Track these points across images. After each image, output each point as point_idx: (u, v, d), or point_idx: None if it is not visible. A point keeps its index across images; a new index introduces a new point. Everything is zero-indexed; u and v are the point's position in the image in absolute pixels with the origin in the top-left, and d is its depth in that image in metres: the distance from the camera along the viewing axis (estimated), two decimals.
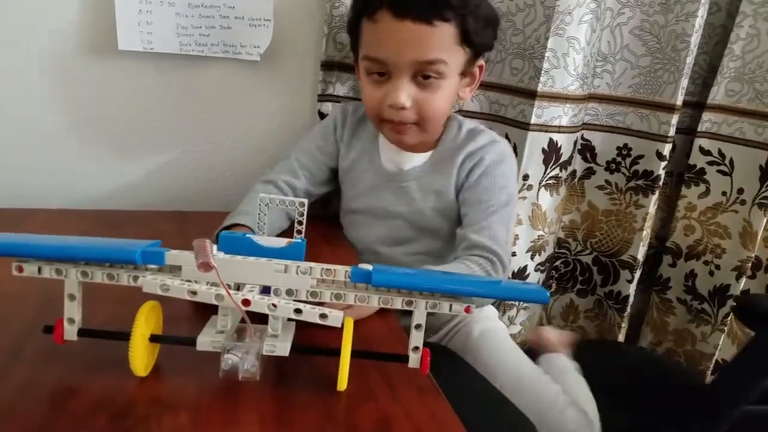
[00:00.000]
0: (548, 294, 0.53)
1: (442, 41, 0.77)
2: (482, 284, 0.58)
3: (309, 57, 1.02)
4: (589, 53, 1.02)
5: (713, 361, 1.24)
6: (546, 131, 1.02)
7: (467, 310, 0.52)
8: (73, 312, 0.52)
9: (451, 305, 0.52)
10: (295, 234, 0.55)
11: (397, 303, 0.53)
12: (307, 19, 1.01)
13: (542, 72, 0.98)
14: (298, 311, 0.48)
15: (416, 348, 0.54)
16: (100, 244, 0.53)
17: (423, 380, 0.55)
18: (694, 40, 1.03)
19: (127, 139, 1.01)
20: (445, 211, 0.87)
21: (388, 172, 0.90)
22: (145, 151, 1.03)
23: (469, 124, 0.90)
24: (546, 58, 0.98)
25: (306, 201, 0.56)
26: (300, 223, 0.56)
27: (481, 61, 0.86)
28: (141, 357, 0.51)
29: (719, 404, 0.76)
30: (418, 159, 0.89)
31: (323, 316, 0.48)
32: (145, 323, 0.51)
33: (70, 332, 0.52)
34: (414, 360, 0.54)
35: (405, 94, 0.79)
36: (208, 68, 1.00)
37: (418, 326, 0.53)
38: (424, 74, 0.78)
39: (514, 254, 1.08)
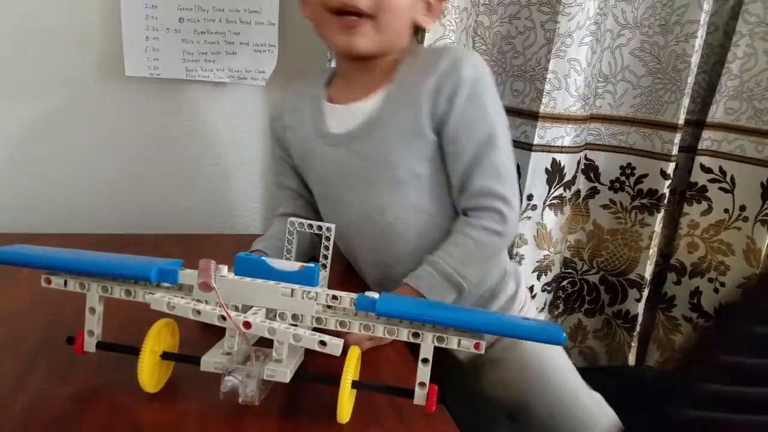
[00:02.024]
0: (565, 336, 0.50)
1: None
2: (493, 321, 0.55)
3: None
4: (590, 74, 1.03)
5: None
6: (549, 152, 1.03)
7: (477, 346, 0.50)
8: (93, 325, 0.55)
9: (459, 340, 0.50)
10: (321, 259, 0.55)
11: (403, 334, 0.51)
12: (310, 44, 1.01)
13: (544, 93, 0.99)
14: (297, 337, 0.47)
15: (422, 384, 0.51)
16: (121, 260, 0.54)
17: None
18: (695, 60, 1.05)
19: (134, 162, 1.02)
20: (421, 152, 0.73)
21: (341, 134, 0.76)
22: (152, 174, 1.03)
23: (423, 47, 0.79)
24: (547, 80, 0.99)
25: (333, 226, 0.56)
26: (326, 248, 0.56)
27: None
28: (149, 373, 0.51)
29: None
30: (374, 100, 0.74)
31: (322, 343, 0.47)
32: (156, 340, 0.52)
33: (90, 344, 0.54)
34: (420, 396, 0.51)
35: None
36: (214, 93, 1.01)
37: (425, 360, 0.51)
38: None
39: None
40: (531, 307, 0.89)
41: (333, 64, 0.87)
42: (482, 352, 0.50)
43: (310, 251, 0.84)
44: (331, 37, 0.73)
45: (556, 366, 0.83)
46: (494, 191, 0.71)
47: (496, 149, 0.71)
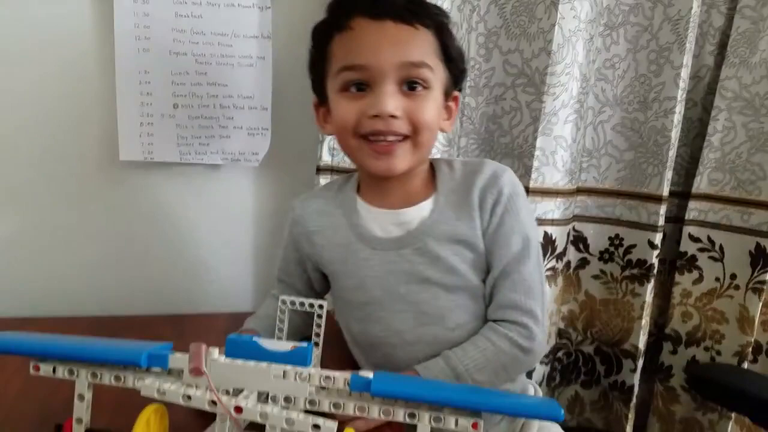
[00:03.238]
0: (562, 412, 0.49)
1: (424, 45, 0.70)
2: (492, 399, 0.54)
3: (305, 162, 1.05)
4: (576, 150, 1.06)
5: None
6: (540, 224, 1.04)
7: (475, 426, 0.49)
8: (81, 412, 0.53)
9: (457, 420, 0.49)
10: (313, 337, 0.55)
11: (399, 415, 0.50)
12: (303, 127, 1.04)
13: (533, 169, 1.02)
14: (289, 421, 0.46)
15: None
16: (110, 345, 0.54)
17: None
18: (675, 134, 1.08)
19: (124, 245, 1.02)
20: (477, 265, 0.73)
21: (390, 239, 0.75)
22: (142, 256, 1.03)
23: (456, 159, 0.79)
24: (536, 157, 1.02)
25: (325, 303, 0.56)
26: (318, 326, 0.56)
27: (456, 92, 0.77)
28: None
29: None
30: (424, 208, 0.74)
31: (316, 427, 0.46)
32: (146, 428, 0.51)
33: None
34: None
35: (392, 101, 0.67)
36: (208, 175, 1.03)
37: None
38: (410, 81, 0.69)
39: None
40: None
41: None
42: (480, 431, 0.49)
43: (304, 329, 0.83)
44: (364, 161, 0.72)
45: None
46: (522, 305, 0.71)
47: (528, 263, 0.72)
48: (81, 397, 0.53)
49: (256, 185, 1.05)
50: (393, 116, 0.68)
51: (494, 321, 0.73)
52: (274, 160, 1.03)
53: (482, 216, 0.73)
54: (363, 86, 0.69)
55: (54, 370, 0.53)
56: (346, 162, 1.02)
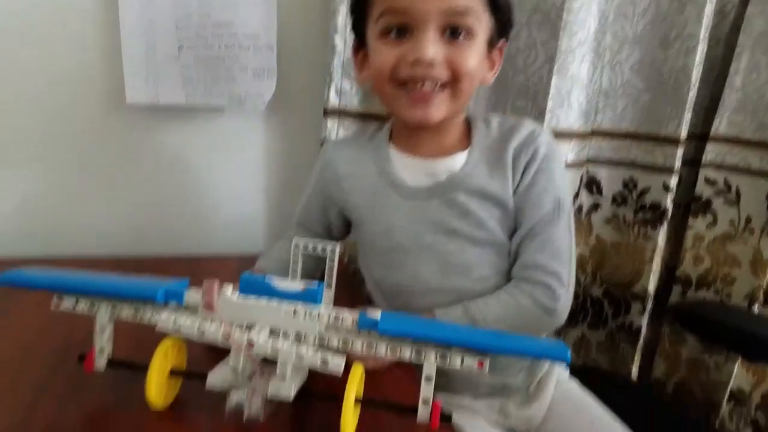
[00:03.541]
0: (569, 353, 0.50)
1: None
2: (498, 339, 0.55)
3: (312, 105, 1.03)
4: (592, 90, 1.03)
5: (728, 390, 1.22)
6: None
7: (480, 365, 0.50)
8: (103, 343, 0.56)
9: (462, 358, 0.50)
10: (326, 279, 0.56)
11: (406, 353, 0.51)
12: (309, 68, 1.02)
13: (547, 111, 0.99)
14: (299, 356, 0.48)
15: (426, 401, 0.51)
16: (128, 281, 0.56)
17: None
18: (696, 74, 1.04)
19: (135, 188, 1.03)
20: (504, 222, 0.73)
21: (420, 188, 0.75)
22: (153, 199, 1.04)
23: (494, 115, 0.78)
24: (550, 97, 0.98)
25: (338, 246, 0.56)
26: (330, 268, 0.57)
27: (501, 41, 0.75)
28: (157, 390, 0.53)
29: None
30: (457, 160, 0.74)
31: (324, 362, 0.47)
32: (164, 358, 0.54)
33: (100, 362, 0.56)
34: (423, 414, 0.51)
35: (433, 47, 0.66)
36: (215, 118, 1.01)
37: (427, 378, 0.51)
38: (453, 28, 0.67)
39: None
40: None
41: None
42: (486, 371, 0.50)
43: (315, 274, 0.84)
44: (400, 110, 0.71)
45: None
46: (548, 267, 0.71)
47: (558, 225, 0.72)
48: (102, 330, 0.56)
49: (262, 128, 1.04)
50: (432, 63, 0.66)
51: (519, 279, 0.73)
52: (281, 103, 1.01)
53: (514, 175, 0.72)
54: (404, 31, 0.67)
55: (75, 305, 0.55)
56: (354, 105, 1.00)
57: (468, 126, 0.77)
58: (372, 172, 0.77)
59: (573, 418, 0.78)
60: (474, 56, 0.69)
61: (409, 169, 0.76)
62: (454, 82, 0.68)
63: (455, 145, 0.75)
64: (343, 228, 0.85)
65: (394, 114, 0.75)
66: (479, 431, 0.75)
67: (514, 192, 0.73)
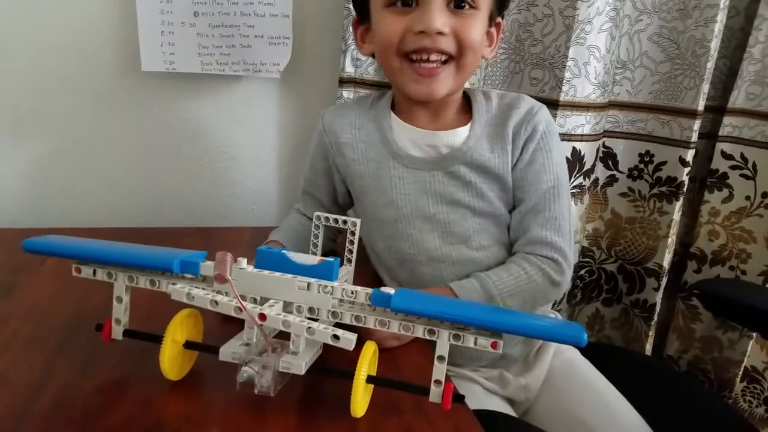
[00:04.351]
0: (586, 336, 0.48)
1: None
2: (512, 320, 0.52)
3: (327, 73, 1.03)
4: (609, 61, 1.02)
5: (741, 368, 1.22)
6: (569, 140, 1.02)
7: (494, 345, 0.49)
8: (119, 313, 0.56)
9: (476, 338, 0.49)
10: (346, 254, 0.55)
11: (419, 331, 0.50)
12: (325, 36, 1.01)
13: (564, 81, 0.98)
14: (310, 330, 0.47)
15: (438, 381, 0.50)
16: (146, 251, 0.55)
17: None
18: (714, 45, 1.03)
19: (150, 157, 1.02)
20: (503, 196, 0.75)
21: (424, 159, 0.75)
22: (168, 169, 1.04)
23: (493, 91, 0.79)
24: (567, 68, 0.98)
25: (359, 222, 0.56)
26: (351, 242, 0.56)
27: (499, 18, 0.76)
28: (171, 361, 0.52)
29: None
30: (459, 134, 0.74)
31: (335, 337, 0.47)
32: (179, 329, 0.53)
33: (117, 332, 0.56)
34: (435, 394, 0.51)
35: (440, 17, 0.65)
36: (230, 86, 1.01)
37: (440, 358, 0.50)
38: (457, 0, 0.67)
39: None
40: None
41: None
42: (500, 351, 0.49)
43: (327, 244, 0.84)
44: (404, 84, 0.71)
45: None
46: (554, 243, 0.73)
47: (558, 201, 0.74)
48: (119, 299, 0.56)
49: (278, 97, 1.03)
50: (440, 33, 0.66)
51: (526, 253, 0.74)
52: (296, 72, 1.01)
53: (513, 151, 0.74)
54: (410, 1, 0.67)
55: (94, 273, 0.55)
56: (369, 74, 0.99)
57: (467, 100, 0.78)
58: (375, 140, 0.78)
59: (570, 388, 0.79)
60: (478, 28, 0.69)
61: (411, 139, 0.76)
62: (459, 55, 0.69)
63: (455, 119, 0.76)
64: (347, 195, 0.85)
65: (398, 88, 0.75)
66: (477, 399, 0.76)
67: (513, 167, 0.74)
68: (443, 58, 0.68)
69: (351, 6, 0.93)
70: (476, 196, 0.74)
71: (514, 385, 0.80)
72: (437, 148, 0.75)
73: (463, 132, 0.75)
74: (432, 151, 0.75)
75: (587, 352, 0.84)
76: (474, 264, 0.75)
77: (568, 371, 0.81)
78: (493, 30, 0.75)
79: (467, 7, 0.68)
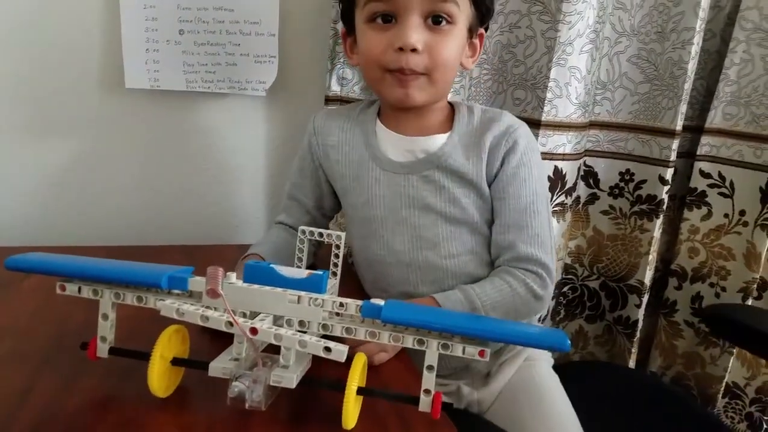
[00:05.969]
0: (569, 343, 0.50)
1: None
2: (499, 329, 0.54)
3: (313, 92, 1.04)
4: (590, 82, 1.04)
5: (723, 384, 1.23)
6: (551, 159, 1.03)
7: (481, 354, 0.50)
8: (105, 331, 0.55)
9: (464, 347, 0.50)
10: (331, 267, 0.56)
11: (408, 341, 0.51)
12: (311, 55, 1.02)
13: (545, 101, 1.00)
14: (302, 343, 0.47)
15: (427, 391, 0.51)
16: (132, 267, 0.55)
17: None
18: (691, 66, 1.05)
19: (133, 175, 1.01)
20: (479, 204, 0.77)
21: (401, 162, 0.78)
22: (151, 187, 1.03)
23: (478, 105, 0.82)
24: (549, 88, 0.99)
25: (343, 235, 0.56)
26: (336, 256, 0.56)
27: (481, 30, 0.79)
28: (159, 378, 0.52)
29: None
30: (436, 141, 0.77)
31: (327, 349, 0.47)
32: (167, 346, 0.53)
33: (102, 350, 0.55)
34: (425, 403, 0.51)
35: (416, 34, 0.69)
36: (215, 104, 1.01)
37: (429, 367, 0.51)
38: (435, 16, 0.70)
39: None
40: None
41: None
42: (487, 359, 0.50)
43: (309, 259, 0.84)
44: (384, 90, 0.75)
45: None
46: (536, 258, 0.75)
47: (539, 217, 0.76)
48: (105, 317, 0.55)
49: (263, 115, 1.03)
50: (415, 50, 0.69)
51: (509, 267, 0.76)
52: (282, 90, 1.01)
53: (490, 160, 0.76)
54: (389, 18, 0.71)
55: (79, 290, 0.54)
56: (355, 92, 1.00)
57: (452, 111, 0.81)
58: (359, 143, 0.81)
59: (521, 403, 0.80)
60: (453, 45, 0.73)
61: (392, 144, 0.79)
62: (431, 71, 0.72)
63: (437, 127, 0.79)
64: (333, 198, 0.88)
65: (379, 96, 0.79)
66: None
67: (493, 180, 0.76)
68: (417, 73, 0.72)
69: (337, 26, 0.95)
70: (449, 202, 0.76)
71: (468, 399, 0.82)
72: (414, 153, 0.78)
73: (440, 139, 0.78)
74: (410, 155, 0.78)
75: (576, 369, 0.86)
76: (441, 271, 0.77)
77: (526, 386, 0.82)
78: (476, 41, 0.79)
79: (444, 22, 0.71)
